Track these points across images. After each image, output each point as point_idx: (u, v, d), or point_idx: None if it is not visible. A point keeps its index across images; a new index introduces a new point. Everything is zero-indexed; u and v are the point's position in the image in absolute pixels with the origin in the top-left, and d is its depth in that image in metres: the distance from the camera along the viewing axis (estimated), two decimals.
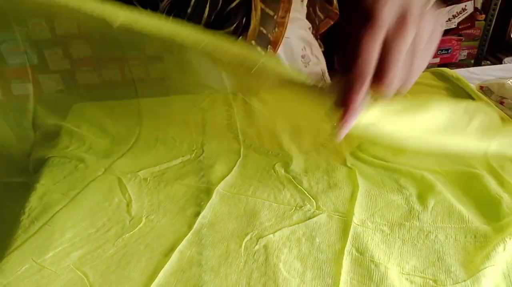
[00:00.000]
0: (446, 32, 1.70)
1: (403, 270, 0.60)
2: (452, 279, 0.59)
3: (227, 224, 0.69)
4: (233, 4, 0.98)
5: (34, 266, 0.61)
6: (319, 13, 1.20)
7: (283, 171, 0.80)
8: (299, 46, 1.14)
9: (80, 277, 0.60)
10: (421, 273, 0.60)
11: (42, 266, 0.61)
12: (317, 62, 1.19)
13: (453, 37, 1.78)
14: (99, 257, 0.63)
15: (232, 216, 0.71)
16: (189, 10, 0.96)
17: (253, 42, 1.02)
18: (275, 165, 0.82)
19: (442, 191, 0.73)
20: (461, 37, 1.80)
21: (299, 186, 0.76)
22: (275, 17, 1.01)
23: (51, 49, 1.12)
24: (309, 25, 1.18)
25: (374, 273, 0.59)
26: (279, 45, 1.05)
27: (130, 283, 0.59)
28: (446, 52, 1.79)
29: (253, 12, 0.97)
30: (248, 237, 0.66)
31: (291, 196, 0.75)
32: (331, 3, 1.19)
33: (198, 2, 0.96)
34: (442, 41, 1.76)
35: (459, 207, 0.70)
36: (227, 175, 0.80)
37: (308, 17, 1.18)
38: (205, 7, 0.96)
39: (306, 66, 1.15)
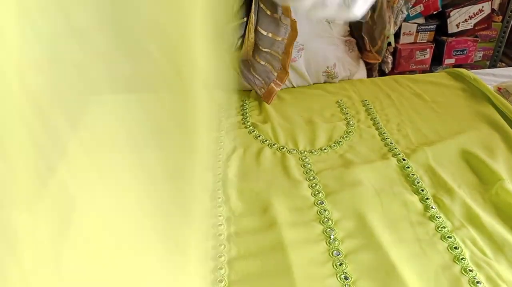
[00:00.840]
0: (462, 33, 1.68)
1: None
2: None
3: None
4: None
5: None
6: None
7: (298, 167, 0.81)
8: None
9: None
10: None
11: None
12: (350, 76, 1.15)
13: (469, 38, 1.76)
14: None
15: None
16: None
17: None
18: (290, 161, 0.82)
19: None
20: (477, 39, 1.79)
21: (314, 183, 0.77)
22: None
23: None
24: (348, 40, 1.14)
25: None
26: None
27: None
28: (461, 53, 1.77)
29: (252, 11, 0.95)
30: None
31: (305, 192, 0.75)
32: None
33: None
34: (457, 42, 1.75)
35: None
36: (242, 170, 0.80)
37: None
38: None
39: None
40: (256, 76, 1.00)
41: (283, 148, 0.86)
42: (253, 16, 0.95)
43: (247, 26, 0.96)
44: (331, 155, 0.84)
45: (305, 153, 0.85)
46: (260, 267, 0.61)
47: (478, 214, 0.70)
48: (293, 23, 0.96)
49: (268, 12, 0.95)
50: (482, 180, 0.78)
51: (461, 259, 0.63)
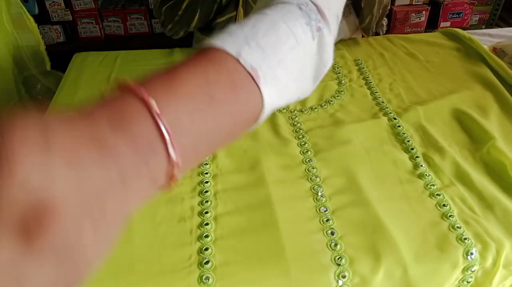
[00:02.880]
0: None
1: None
2: None
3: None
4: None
5: None
6: None
7: (288, 126, 0.79)
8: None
9: None
10: None
11: None
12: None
13: (465, 0, 1.72)
14: None
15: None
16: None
17: None
18: (279, 120, 0.80)
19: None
20: (474, 1, 1.75)
21: (303, 141, 0.75)
22: None
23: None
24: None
25: None
26: None
27: None
28: (457, 16, 1.74)
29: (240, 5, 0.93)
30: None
31: (294, 150, 0.73)
32: None
33: None
34: (454, 5, 1.71)
35: None
36: None
37: None
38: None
39: None
40: None
41: None
42: (241, 10, 0.93)
43: (236, 20, 0.93)
44: (321, 114, 0.82)
45: (295, 111, 0.83)
46: (247, 222, 0.61)
47: (468, 172, 0.69)
48: None
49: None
50: (474, 139, 0.76)
51: (450, 216, 0.62)
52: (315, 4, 0.46)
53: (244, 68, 0.35)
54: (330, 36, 0.48)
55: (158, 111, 0.27)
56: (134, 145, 0.26)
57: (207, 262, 0.55)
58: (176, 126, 0.28)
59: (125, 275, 0.54)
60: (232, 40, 0.36)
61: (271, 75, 0.38)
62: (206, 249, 0.57)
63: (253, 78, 0.36)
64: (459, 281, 0.60)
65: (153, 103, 0.27)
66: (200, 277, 0.54)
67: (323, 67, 0.48)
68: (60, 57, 1.10)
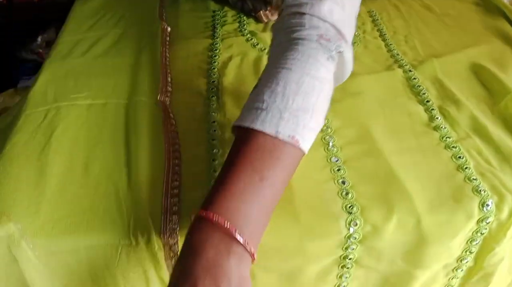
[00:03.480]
0: None
1: None
2: None
3: None
4: None
5: None
6: None
7: None
8: None
9: None
10: None
11: None
12: None
13: None
14: None
15: None
16: None
17: None
18: None
19: None
20: None
21: None
22: None
23: None
24: None
25: None
26: None
27: None
28: None
29: None
30: None
31: None
32: None
33: None
34: None
35: None
36: (239, 78, 0.76)
37: None
38: None
39: None
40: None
41: None
42: None
43: None
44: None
45: None
46: None
47: (485, 125, 0.67)
48: None
49: None
50: (491, 93, 0.73)
51: (465, 168, 0.60)
52: (334, 27, 0.51)
53: (284, 141, 0.45)
54: (350, 51, 0.55)
55: (243, 241, 0.41)
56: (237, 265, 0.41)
57: None
58: (250, 233, 0.42)
59: None
60: (268, 119, 0.45)
61: (307, 130, 0.47)
62: None
63: (293, 144, 0.45)
64: (473, 233, 0.58)
65: (239, 237, 0.41)
66: None
67: (343, 78, 0.57)
68: None
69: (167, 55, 0.81)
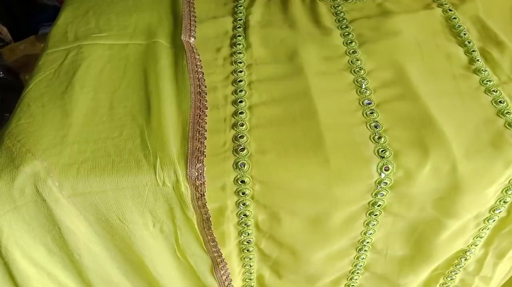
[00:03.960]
0: None
1: None
2: None
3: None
4: None
5: None
6: None
7: (330, 15, 0.72)
8: None
9: None
10: None
11: None
12: None
13: None
14: None
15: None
16: None
17: None
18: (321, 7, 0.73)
19: None
20: None
21: (346, 31, 0.68)
22: None
23: None
24: None
25: None
26: None
27: None
28: None
29: None
30: None
31: (337, 41, 0.67)
32: None
33: None
34: None
35: None
36: (266, 17, 0.72)
37: None
38: None
39: None
40: None
41: None
42: None
43: None
44: (368, 4, 0.74)
45: (339, 0, 0.75)
46: (284, 113, 0.57)
47: None
48: None
49: None
50: None
51: (506, 113, 0.57)
52: None
53: None
54: None
55: None
56: None
57: (242, 149, 0.52)
58: None
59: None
60: None
61: None
62: (241, 137, 0.54)
63: None
64: (509, 181, 0.56)
65: None
66: (236, 163, 0.51)
67: None
68: None
69: None
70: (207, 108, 0.57)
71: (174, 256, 0.58)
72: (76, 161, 0.51)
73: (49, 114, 0.56)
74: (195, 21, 0.71)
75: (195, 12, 0.73)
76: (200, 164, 0.50)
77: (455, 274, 0.70)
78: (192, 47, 0.66)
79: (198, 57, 0.64)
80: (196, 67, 0.62)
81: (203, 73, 0.62)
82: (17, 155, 0.51)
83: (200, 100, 0.58)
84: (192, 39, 0.67)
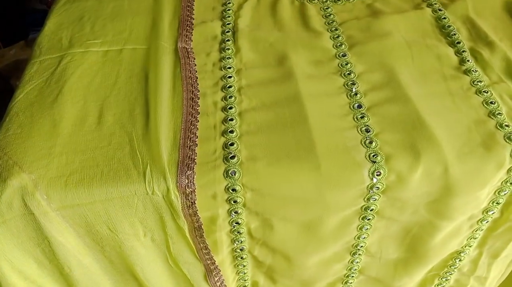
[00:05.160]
0: None
1: None
2: None
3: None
4: None
5: None
6: None
7: (320, 18, 0.71)
8: None
9: None
10: None
11: None
12: None
13: None
14: None
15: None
16: None
17: None
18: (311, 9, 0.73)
19: None
20: None
21: (336, 34, 0.68)
22: None
23: None
24: None
25: None
26: None
27: None
28: None
29: None
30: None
31: (326, 43, 0.67)
32: None
33: None
34: None
35: None
36: (255, 21, 0.71)
37: None
38: None
39: None
40: None
41: None
42: None
43: None
44: (357, 5, 0.74)
45: (328, 2, 0.74)
46: (274, 118, 0.56)
47: None
48: None
49: None
50: None
51: (497, 114, 0.56)
52: None
53: None
54: None
55: None
56: None
57: (232, 157, 0.52)
58: None
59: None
60: None
61: None
62: (232, 144, 0.53)
63: None
64: (502, 183, 0.56)
65: None
66: (226, 172, 0.51)
67: None
68: None
69: None
70: (199, 114, 0.57)
71: (166, 265, 0.58)
72: (64, 172, 0.50)
73: (38, 125, 0.55)
74: (193, 25, 0.70)
75: (193, 15, 0.71)
76: (191, 171, 0.50)
77: (450, 275, 0.70)
78: (188, 52, 0.65)
79: (193, 61, 0.64)
80: (190, 72, 0.62)
81: (197, 78, 0.61)
82: (4, 168, 0.50)
83: (192, 106, 0.58)
84: (190, 43, 0.67)
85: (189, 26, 0.69)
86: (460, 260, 0.67)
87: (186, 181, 0.50)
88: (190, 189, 0.50)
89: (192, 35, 0.68)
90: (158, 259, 0.57)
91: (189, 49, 0.65)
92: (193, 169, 0.50)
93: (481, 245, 0.67)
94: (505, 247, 0.67)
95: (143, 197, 0.50)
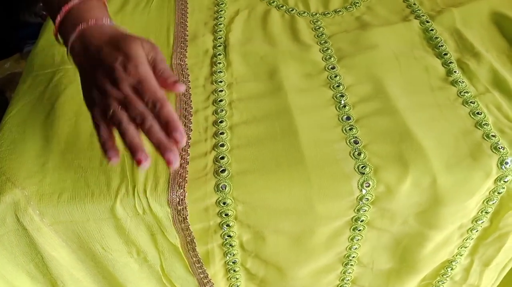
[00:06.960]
0: None
1: None
2: None
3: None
4: None
5: None
6: None
7: (309, 31, 0.72)
8: None
9: None
10: None
11: None
12: None
13: None
14: None
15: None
16: None
17: None
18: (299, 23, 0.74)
19: None
20: None
21: (325, 47, 0.69)
22: None
23: None
24: None
25: None
26: None
27: None
28: None
29: None
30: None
31: (316, 56, 0.68)
32: None
33: None
34: None
35: None
36: (246, 34, 0.72)
37: None
38: None
39: None
40: None
41: (292, 10, 0.77)
42: None
43: None
44: (346, 18, 0.75)
45: (317, 15, 0.76)
46: (264, 131, 0.57)
47: (505, 78, 0.63)
48: None
49: None
50: None
51: (484, 124, 0.57)
52: None
53: None
54: None
55: None
56: None
57: (223, 171, 0.52)
58: None
59: None
60: None
61: None
62: (222, 158, 0.54)
63: None
64: (490, 192, 0.56)
65: None
66: (217, 186, 0.51)
67: None
68: None
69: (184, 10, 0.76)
70: (191, 131, 0.58)
71: (159, 282, 0.58)
72: (56, 189, 0.50)
73: (31, 141, 0.56)
74: (187, 42, 0.70)
75: (187, 32, 0.72)
76: (181, 190, 0.50)
77: (442, 283, 0.71)
78: (182, 68, 0.66)
79: (188, 78, 0.65)
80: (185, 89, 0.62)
81: (190, 95, 0.62)
82: None
83: (185, 123, 0.58)
84: (184, 60, 0.67)
85: (183, 43, 0.70)
86: (452, 269, 0.68)
87: (177, 199, 0.50)
88: (182, 207, 0.50)
89: (186, 51, 0.69)
90: (152, 276, 0.58)
91: (184, 66, 0.66)
92: (184, 187, 0.51)
93: (472, 253, 0.67)
94: (496, 255, 0.67)
95: (134, 217, 0.51)
